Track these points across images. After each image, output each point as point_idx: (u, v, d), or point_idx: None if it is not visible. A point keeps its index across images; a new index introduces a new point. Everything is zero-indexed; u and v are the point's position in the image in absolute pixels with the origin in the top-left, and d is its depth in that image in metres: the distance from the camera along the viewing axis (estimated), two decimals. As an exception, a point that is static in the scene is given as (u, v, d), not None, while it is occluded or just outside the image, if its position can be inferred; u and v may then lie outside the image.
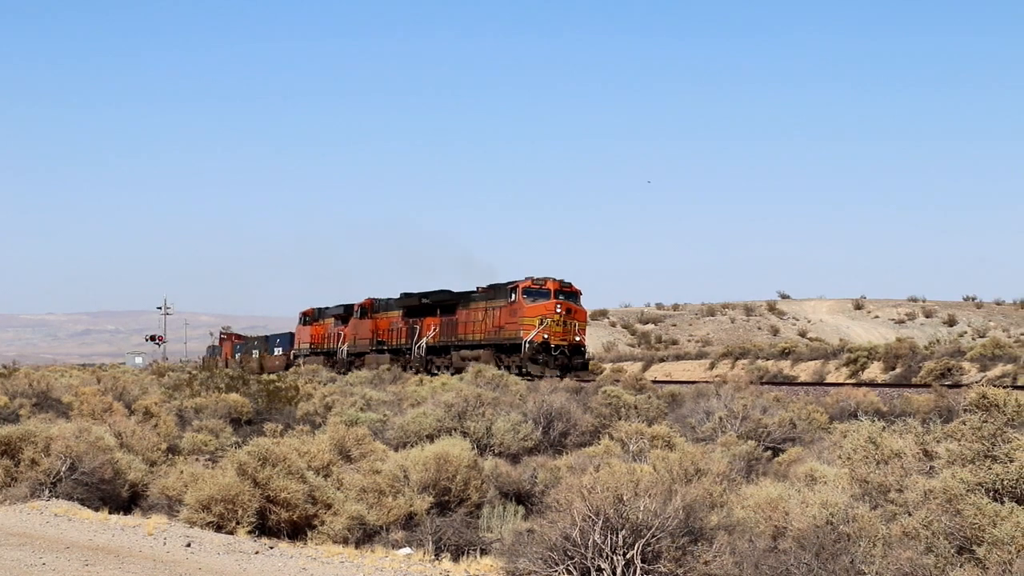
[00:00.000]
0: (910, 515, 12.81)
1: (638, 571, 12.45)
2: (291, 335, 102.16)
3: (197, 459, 23.09)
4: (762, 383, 44.06)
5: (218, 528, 16.90)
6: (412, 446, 21.79)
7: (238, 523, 16.98)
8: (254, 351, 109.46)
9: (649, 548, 12.60)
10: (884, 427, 16.11)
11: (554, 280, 60.72)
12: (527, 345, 58.98)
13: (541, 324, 59.26)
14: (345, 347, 79.85)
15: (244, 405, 32.53)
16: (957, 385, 35.73)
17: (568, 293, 60.89)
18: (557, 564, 12.67)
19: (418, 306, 71.13)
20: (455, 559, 16.46)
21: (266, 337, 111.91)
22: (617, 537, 12.57)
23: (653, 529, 12.63)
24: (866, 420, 16.52)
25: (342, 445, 22.07)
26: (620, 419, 26.97)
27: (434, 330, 68.52)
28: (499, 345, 61.62)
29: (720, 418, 26.09)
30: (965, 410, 17.48)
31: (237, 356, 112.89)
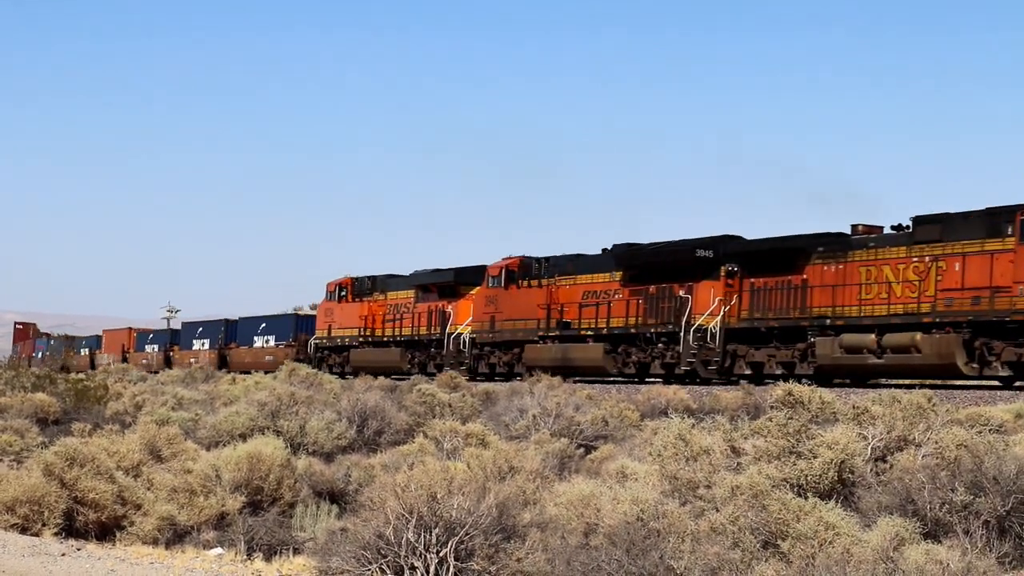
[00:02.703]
0: (718, 511, 13.07)
1: (451, 569, 12.49)
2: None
3: (1, 460, 22.52)
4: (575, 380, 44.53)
5: (23, 530, 16.51)
6: (225, 445, 21.54)
7: (44, 525, 16.62)
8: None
9: (462, 546, 12.64)
10: (693, 424, 16.43)
11: None
12: None
13: None
14: (466, 332, 53.67)
15: (51, 405, 31.81)
16: (764, 383, 36.48)
17: None
18: (370, 563, 12.65)
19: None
20: (267, 559, 16.35)
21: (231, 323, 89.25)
22: (431, 535, 12.59)
23: (467, 527, 12.68)
24: (676, 418, 16.83)
25: (153, 445, 21.71)
26: (435, 417, 27.01)
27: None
28: None
29: (534, 416, 26.27)
30: (771, 407, 17.94)
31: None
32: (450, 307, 55.05)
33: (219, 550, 16.80)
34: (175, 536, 17.49)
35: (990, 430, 16.43)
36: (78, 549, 15.64)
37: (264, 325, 77.53)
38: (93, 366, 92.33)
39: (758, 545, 12.13)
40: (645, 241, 47.22)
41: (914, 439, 15.43)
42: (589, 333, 46.45)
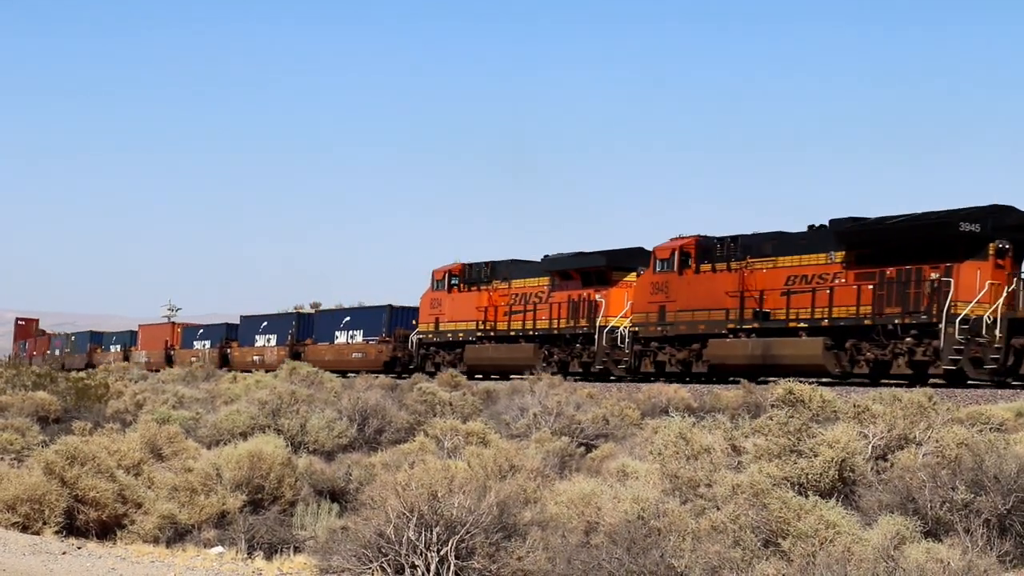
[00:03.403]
0: (719, 509, 13.07)
1: (452, 567, 12.50)
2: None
3: (2, 458, 22.52)
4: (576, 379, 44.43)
5: (24, 529, 16.51)
6: (225, 444, 21.55)
7: (45, 523, 16.62)
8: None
9: (463, 544, 12.65)
10: (694, 423, 16.43)
11: None
12: None
13: None
14: (623, 325, 46.26)
15: (52, 403, 31.83)
16: (765, 381, 36.41)
17: None
18: (371, 561, 12.65)
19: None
20: (268, 558, 16.34)
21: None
22: (431, 534, 12.60)
23: (467, 525, 12.68)
24: (677, 416, 16.83)
25: (153, 443, 21.74)
26: (435, 416, 27.03)
27: None
28: None
29: (534, 415, 26.29)
30: (772, 406, 17.94)
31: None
32: (599, 296, 47.57)
33: (220, 549, 16.81)
34: (176, 535, 17.49)
35: (991, 428, 16.46)
36: (79, 548, 15.64)
37: (349, 318, 69.03)
38: (125, 361, 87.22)
39: (759, 544, 12.13)
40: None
41: (915, 438, 15.43)
42: (801, 325, 38.96)
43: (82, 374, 54.20)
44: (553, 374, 43.51)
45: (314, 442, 24.46)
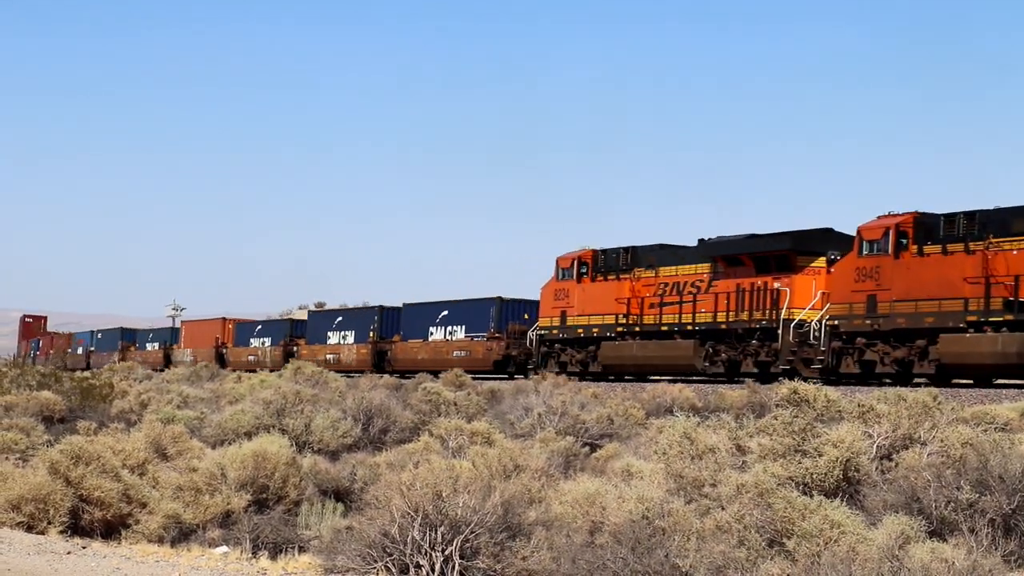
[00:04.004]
0: (723, 509, 13.07)
1: (456, 567, 12.50)
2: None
3: (7, 458, 22.55)
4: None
5: (29, 528, 16.52)
6: (230, 444, 21.56)
7: (50, 523, 16.63)
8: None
9: (468, 544, 12.66)
10: (699, 423, 16.42)
11: None
12: None
13: None
14: (814, 318, 39.42)
15: (56, 403, 31.84)
16: (770, 381, 36.30)
17: None
18: (376, 561, 12.67)
19: None
20: (273, 557, 16.36)
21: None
22: (436, 534, 12.61)
23: (472, 525, 12.70)
24: (681, 416, 16.82)
25: (158, 443, 21.75)
26: (440, 416, 27.04)
27: None
28: None
29: (539, 415, 26.29)
30: (777, 405, 17.93)
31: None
32: (780, 284, 40.52)
33: (224, 548, 16.82)
34: (180, 534, 17.51)
35: (995, 428, 16.44)
36: (84, 547, 15.65)
37: (447, 312, 61.31)
38: (168, 363, 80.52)
39: (763, 543, 12.13)
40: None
41: (919, 437, 15.43)
42: None
43: (102, 375, 51.27)
44: (717, 375, 41.65)
45: (319, 442, 24.48)
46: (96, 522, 17.22)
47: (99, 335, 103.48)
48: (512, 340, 54.69)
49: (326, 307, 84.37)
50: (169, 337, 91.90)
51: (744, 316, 41.46)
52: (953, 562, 10.92)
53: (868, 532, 11.98)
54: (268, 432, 22.37)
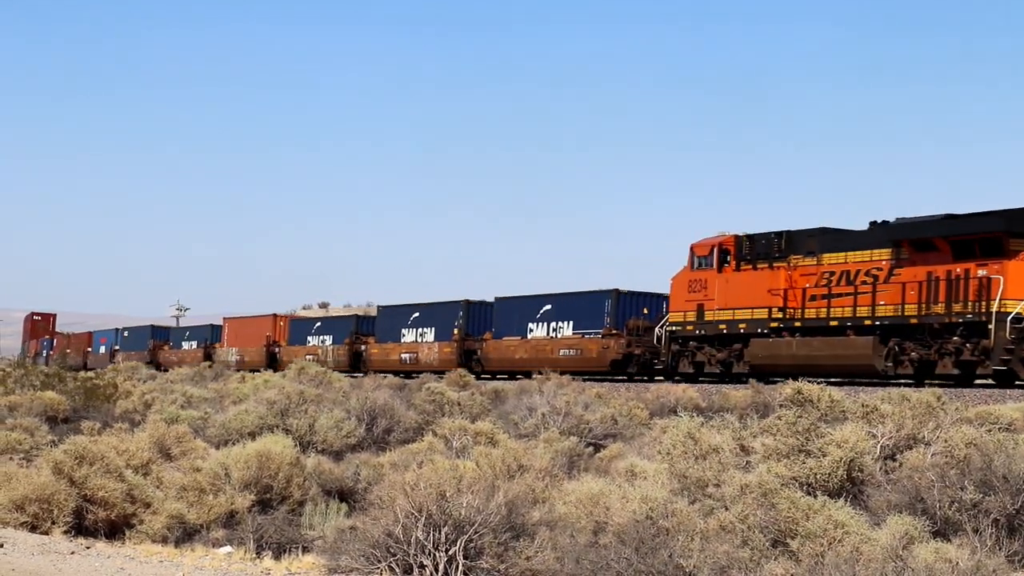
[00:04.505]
0: (727, 509, 13.07)
1: (460, 567, 12.50)
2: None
3: (11, 458, 22.57)
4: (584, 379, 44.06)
5: (32, 528, 16.53)
6: (234, 444, 21.57)
7: (54, 523, 16.63)
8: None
9: (472, 544, 12.65)
10: (703, 423, 16.43)
11: None
12: None
13: None
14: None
15: (60, 403, 31.87)
16: (773, 381, 36.28)
17: None
18: (379, 561, 12.66)
19: None
20: (276, 557, 16.35)
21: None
22: (440, 534, 12.60)
23: (476, 525, 12.69)
24: (685, 416, 16.83)
25: (162, 443, 21.77)
26: (444, 416, 27.04)
27: None
28: None
29: (543, 415, 26.30)
30: (781, 405, 17.93)
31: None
32: (987, 271, 34.88)
33: (228, 548, 16.81)
34: (184, 534, 17.51)
35: (999, 428, 16.42)
36: (87, 547, 15.65)
37: (549, 307, 55.32)
38: (211, 364, 72.53)
39: (767, 543, 12.13)
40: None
41: (923, 438, 15.42)
42: None
43: (105, 374, 50.04)
44: (903, 377, 36.69)
45: (322, 442, 24.49)
46: (100, 522, 17.22)
47: (125, 333, 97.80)
48: (633, 337, 49.16)
49: (330, 307, 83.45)
50: (210, 335, 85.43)
51: (938, 309, 35.90)
52: (957, 562, 10.92)
53: (872, 532, 11.99)
54: (272, 432, 22.38)
